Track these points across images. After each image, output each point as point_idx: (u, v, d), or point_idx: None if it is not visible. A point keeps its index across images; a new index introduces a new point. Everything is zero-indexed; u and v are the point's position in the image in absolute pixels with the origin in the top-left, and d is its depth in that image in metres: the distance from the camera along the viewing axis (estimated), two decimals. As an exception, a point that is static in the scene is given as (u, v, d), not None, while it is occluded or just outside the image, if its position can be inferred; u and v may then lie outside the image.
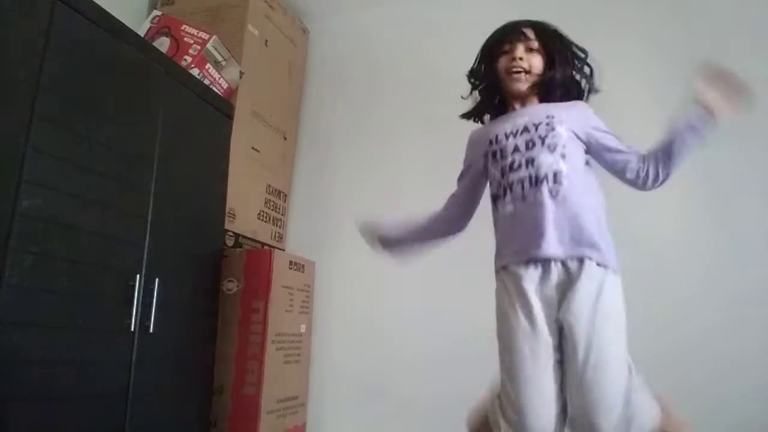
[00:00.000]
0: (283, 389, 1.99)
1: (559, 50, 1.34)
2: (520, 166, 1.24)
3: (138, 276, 1.49)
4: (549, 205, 1.19)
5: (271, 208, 2.38)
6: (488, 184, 1.36)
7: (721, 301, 1.80)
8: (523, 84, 1.31)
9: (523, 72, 1.30)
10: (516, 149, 1.26)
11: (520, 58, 1.30)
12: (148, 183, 1.58)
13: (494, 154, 1.31)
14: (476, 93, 1.46)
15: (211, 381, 1.82)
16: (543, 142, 1.23)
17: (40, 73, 1.27)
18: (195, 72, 1.94)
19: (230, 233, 2.09)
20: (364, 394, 2.22)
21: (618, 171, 1.28)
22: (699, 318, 1.80)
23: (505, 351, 1.20)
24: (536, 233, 1.18)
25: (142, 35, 1.92)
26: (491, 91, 1.41)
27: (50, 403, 1.25)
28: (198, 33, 2.02)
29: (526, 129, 1.27)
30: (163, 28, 2.06)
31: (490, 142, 1.32)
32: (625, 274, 1.21)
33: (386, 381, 2.19)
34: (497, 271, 1.29)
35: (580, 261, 1.16)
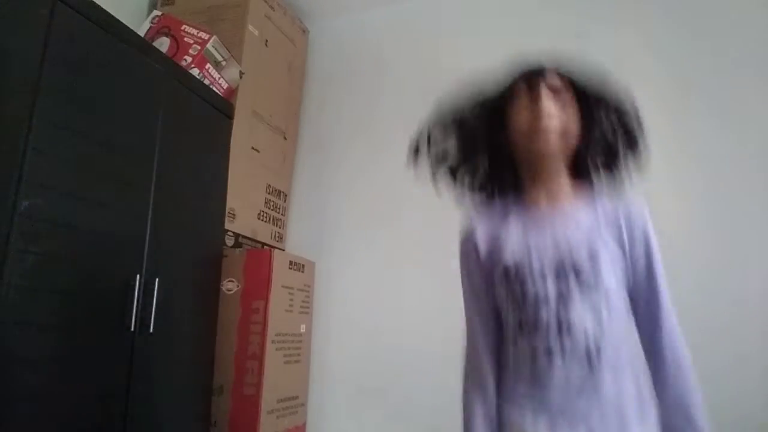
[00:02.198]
0: (283, 389, 1.99)
1: (597, 100, 0.95)
2: (548, 327, 0.88)
3: (138, 276, 1.49)
4: (583, 389, 0.88)
5: (271, 208, 2.38)
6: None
7: (720, 301, 1.80)
8: (552, 145, 0.91)
9: (552, 131, 0.91)
10: (546, 300, 0.89)
11: (548, 113, 0.90)
12: (148, 183, 1.58)
13: (512, 294, 0.92)
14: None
15: (211, 381, 1.82)
16: (582, 295, 0.88)
17: (40, 73, 1.27)
18: (195, 72, 1.94)
19: (230, 233, 2.09)
20: (364, 394, 2.22)
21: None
22: (697, 319, 1.80)
23: None
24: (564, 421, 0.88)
25: (142, 35, 1.92)
26: (496, 163, 1.00)
27: (51, 403, 1.25)
28: (198, 33, 2.02)
29: (561, 268, 0.89)
30: (163, 28, 2.06)
31: (506, 272, 0.93)
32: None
33: (386, 381, 2.19)
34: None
35: None
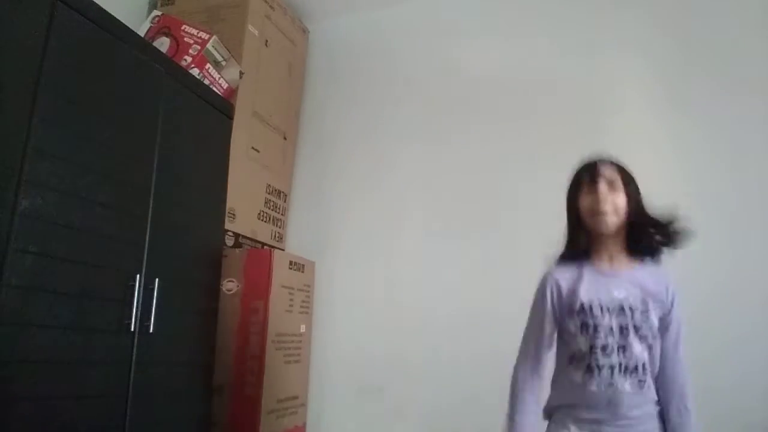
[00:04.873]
0: (283, 389, 1.99)
1: (637, 193, 1.24)
2: (612, 351, 1.18)
3: (138, 276, 1.49)
4: (637, 397, 1.17)
5: (271, 208, 2.38)
6: (559, 334, 1.28)
7: (726, 312, 1.80)
8: (609, 225, 1.20)
9: (609, 213, 1.20)
10: (611, 331, 1.18)
11: (604, 199, 1.19)
12: (148, 183, 1.58)
13: (585, 326, 1.20)
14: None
15: (211, 381, 1.82)
16: (636, 332, 1.17)
17: (40, 73, 1.27)
18: (195, 72, 1.94)
19: (230, 233, 2.09)
20: (364, 394, 2.22)
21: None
22: (705, 330, 1.80)
23: None
24: (620, 418, 1.17)
25: (142, 35, 1.92)
26: (577, 230, 1.28)
27: (50, 403, 1.25)
28: (198, 33, 2.02)
29: (622, 310, 1.19)
30: (163, 28, 2.06)
31: (582, 307, 1.21)
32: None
33: (386, 381, 2.19)
34: (550, 415, 1.26)
35: None
